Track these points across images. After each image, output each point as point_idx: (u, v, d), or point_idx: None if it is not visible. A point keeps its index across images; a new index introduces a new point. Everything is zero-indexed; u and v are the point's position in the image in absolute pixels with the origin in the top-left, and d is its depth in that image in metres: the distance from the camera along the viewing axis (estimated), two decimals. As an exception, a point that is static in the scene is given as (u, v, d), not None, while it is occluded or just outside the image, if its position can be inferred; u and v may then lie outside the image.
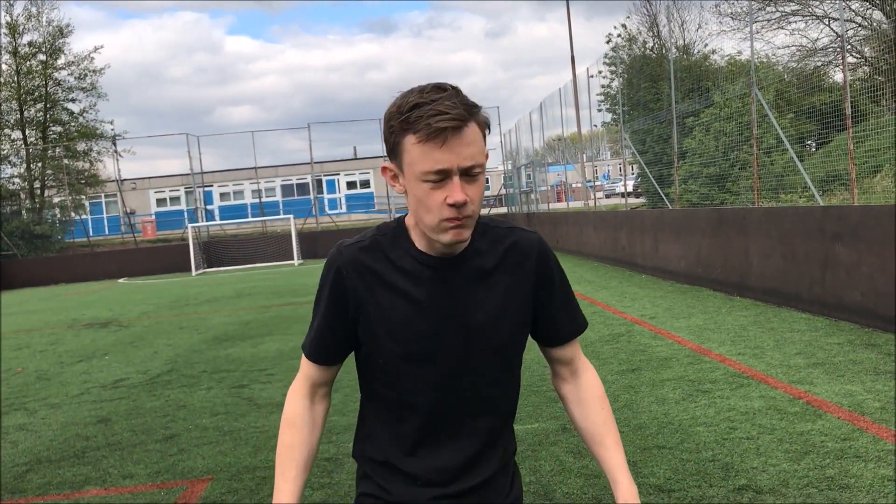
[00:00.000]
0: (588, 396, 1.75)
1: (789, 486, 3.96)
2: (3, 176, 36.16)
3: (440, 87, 1.47)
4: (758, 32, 22.16)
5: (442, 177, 1.46)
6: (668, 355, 7.24)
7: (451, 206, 1.47)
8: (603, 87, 24.14)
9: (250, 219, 37.80)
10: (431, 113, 1.43)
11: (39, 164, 36.77)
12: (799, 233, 8.99)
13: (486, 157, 1.54)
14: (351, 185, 46.91)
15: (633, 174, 25.40)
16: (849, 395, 5.44)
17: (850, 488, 3.87)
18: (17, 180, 36.61)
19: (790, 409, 5.23)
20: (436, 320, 1.60)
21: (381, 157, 38.22)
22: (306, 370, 1.74)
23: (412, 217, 1.59)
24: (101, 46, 64.98)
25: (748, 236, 10.30)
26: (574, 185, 35.10)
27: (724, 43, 37.22)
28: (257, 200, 38.86)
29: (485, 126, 1.52)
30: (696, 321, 8.90)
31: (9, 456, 5.84)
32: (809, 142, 14.24)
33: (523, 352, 1.73)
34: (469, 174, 1.48)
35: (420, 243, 1.61)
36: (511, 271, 1.65)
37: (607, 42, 25.73)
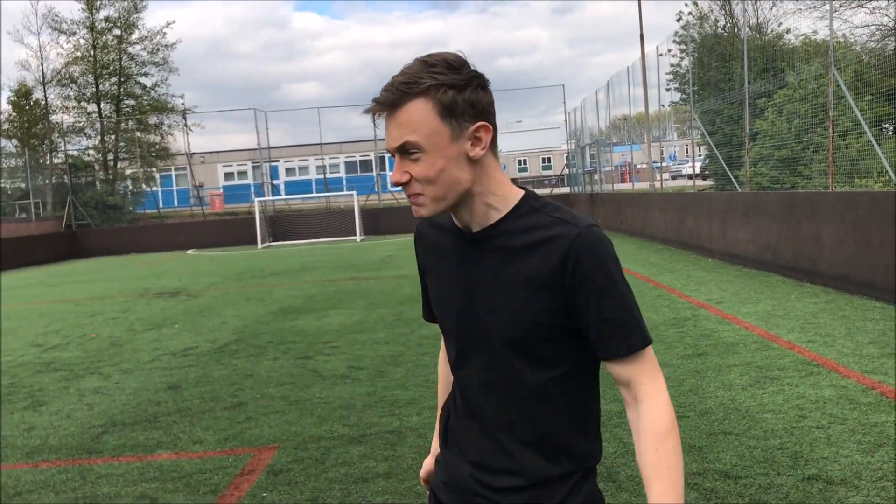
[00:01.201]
0: (643, 431, 1.51)
1: (862, 479, 3.86)
2: (79, 148, 37.30)
3: (405, 69, 1.47)
4: (836, 11, 21.40)
5: (392, 156, 1.51)
6: (734, 341, 7.11)
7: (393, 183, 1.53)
8: (672, 66, 23.65)
9: (314, 194, 38.26)
10: (375, 98, 1.49)
11: (113, 137, 37.81)
12: (874, 218, 8.70)
13: (474, 131, 1.48)
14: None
15: (700, 155, 24.90)
16: (926, 387, 5.28)
17: (926, 482, 3.76)
18: (91, 152, 37.72)
19: (863, 400, 5.09)
20: (457, 294, 1.62)
21: (445, 134, 38.11)
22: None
23: None
24: (173, 22, 66.35)
25: (820, 221, 10.01)
26: (639, 166, 34.57)
27: (799, 22, 36.05)
28: (322, 176, 39.29)
29: (443, 104, 1.44)
30: (764, 307, 8.71)
31: (85, 417, 6.07)
32: (887, 125, 13.75)
33: (568, 354, 1.56)
34: (407, 154, 1.47)
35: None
36: (537, 261, 1.50)
37: (678, 20, 25.14)
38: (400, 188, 1.53)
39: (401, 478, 4.30)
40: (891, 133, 13.87)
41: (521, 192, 1.58)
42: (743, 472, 4.05)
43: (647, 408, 1.51)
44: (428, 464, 1.91)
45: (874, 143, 10.33)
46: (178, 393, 6.65)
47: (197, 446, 5.16)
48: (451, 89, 1.45)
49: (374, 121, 1.51)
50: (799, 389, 5.44)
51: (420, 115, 1.44)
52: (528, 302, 1.51)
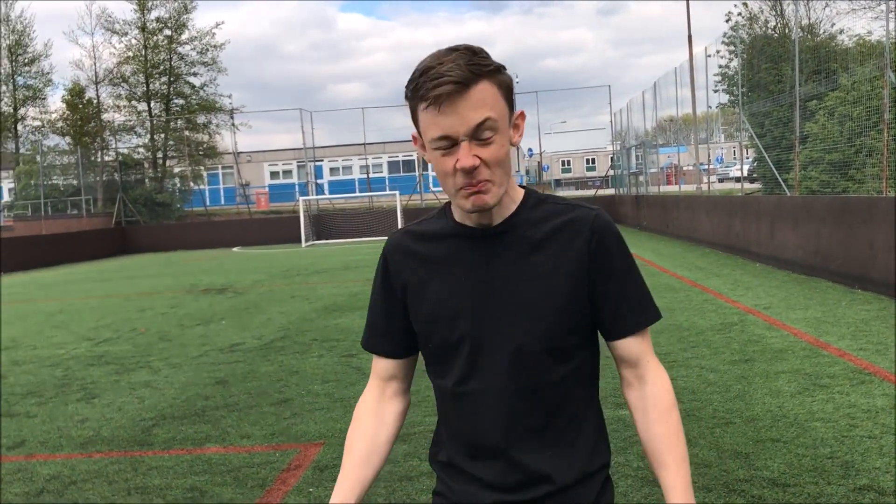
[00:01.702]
0: (652, 407, 1.55)
1: (915, 489, 3.79)
2: (129, 146, 38.08)
3: (453, 49, 1.41)
4: (892, 11, 20.94)
5: (449, 143, 1.40)
6: (783, 347, 7.00)
7: (462, 170, 1.41)
8: (720, 67, 23.35)
9: (357, 194, 38.53)
10: (434, 76, 1.37)
11: (162, 136, 38.56)
12: (931, 225, 8.50)
13: (516, 118, 1.48)
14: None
15: (748, 158, 24.52)
16: (982, 398, 5.15)
17: (982, 496, 3.68)
18: (141, 150, 38.51)
19: (916, 410, 4.99)
20: (474, 296, 1.51)
21: (489, 135, 38.16)
22: (373, 364, 1.71)
23: (444, 190, 1.51)
24: (223, 22, 67.30)
25: (874, 226, 9.81)
26: (685, 168, 34.18)
27: (853, 22, 35.32)
28: (365, 176, 39.56)
29: (505, 87, 1.43)
30: (813, 313, 8.57)
31: (136, 410, 6.21)
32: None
33: (586, 342, 1.58)
34: (479, 137, 1.40)
35: (458, 216, 1.56)
36: (561, 248, 1.51)
37: (726, 21, 24.82)
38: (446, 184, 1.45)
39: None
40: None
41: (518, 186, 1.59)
42: (792, 481, 4.00)
43: (655, 385, 1.56)
44: None
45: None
46: (226, 388, 6.76)
47: (244, 441, 5.25)
48: (504, 74, 1.45)
49: (436, 107, 1.40)
50: (850, 398, 5.34)
51: (492, 95, 1.41)
52: (557, 289, 1.50)
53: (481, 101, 1.38)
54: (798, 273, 12.00)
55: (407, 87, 1.44)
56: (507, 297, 1.50)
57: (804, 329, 7.73)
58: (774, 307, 9.11)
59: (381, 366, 1.68)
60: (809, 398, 5.40)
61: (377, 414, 1.67)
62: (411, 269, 1.58)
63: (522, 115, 1.50)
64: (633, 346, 1.57)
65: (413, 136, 1.53)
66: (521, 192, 1.57)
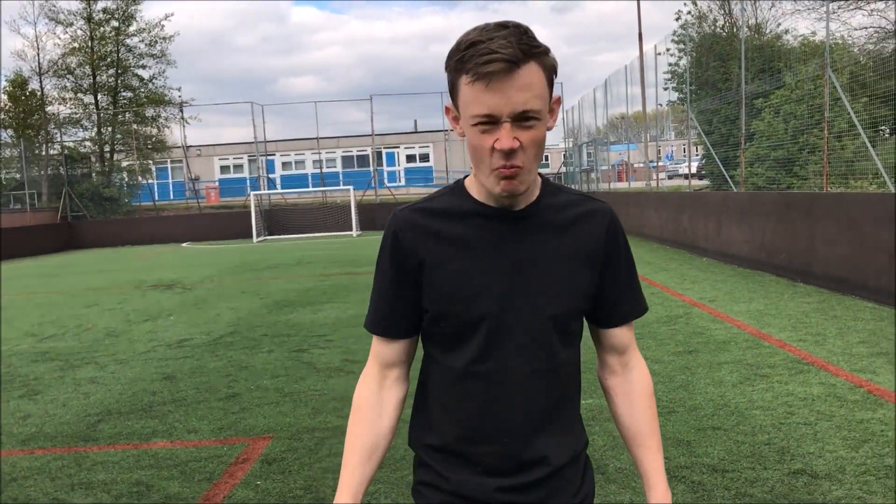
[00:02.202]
0: (637, 392, 1.64)
1: (846, 473, 3.93)
2: (75, 139, 37.27)
3: (502, 25, 1.38)
4: (834, 12, 21.46)
5: (491, 121, 1.38)
6: (726, 339, 7.18)
7: (500, 151, 1.39)
8: (670, 65, 23.71)
9: (311, 189, 38.25)
10: (483, 52, 1.34)
11: (110, 129, 37.77)
12: (868, 220, 8.77)
13: (554, 102, 1.46)
14: (410, 158, 47.08)
15: (697, 155, 24.94)
16: (913, 385, 5.35)
17: (909, 478, 3.83)
18: (88, 143, 37.69)
19: (850, 397, 5.16)
20: (497, 276, 1.50)
21: (442, 131, 38.28)
22: (374, 348, 1.65)
23: (473, 167, 1.49)
24: (172, 14, 66.27)
25: (815, 222, 10.09)
26: (636, 165, 34.64)
27: (798, 23, 36.08)
28: (318, 171, 39.29)
29: (550, 70, 1.41)
30: (756, 306, 8.78)
31: (81, 406, 6.11)
32: (883, 127, 13.82)
33: (580, 329, 1.62)
34: (522, 119, 1.37)
35: (479, 195, 1.53)
36: (584, 235, 1.55)
37: (676, 19, 25.21)
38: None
39: (393, 468, 4.35)
40: (887, 135, 13.94)
41: None
42: (730, 466, 4.12)
43: (639, 372, 1.66)
44: None
45: (868, 145, 10.40)
46: (174, 383, 6.70)
47: (192, 435, 5.21)
48: (550, 56, 1.42)
49: (468, 83, 1.38)
50: (788, 387, 5.50)
51: (538, 79, 1.38)
52: (579, 274, 1.54)
53: (528, 83, 1.36)
54: (744, 267, 12.28)
55: (450, 57, 1.41)
56: (531, 279, 1.50)
57: (747, 321, 7.92)
58: (719, 300, 9.32)
59: (386, 350, 1.62)
60: (750, 387, 5.55)
61: (378, 404, 1.62)
62: (428, 246, 1.53)
63: (559, 100, 1.48)
64: (624, 334, 1.65)
65: (447, 108, 1.50)
66: (540, 180, 1.57)
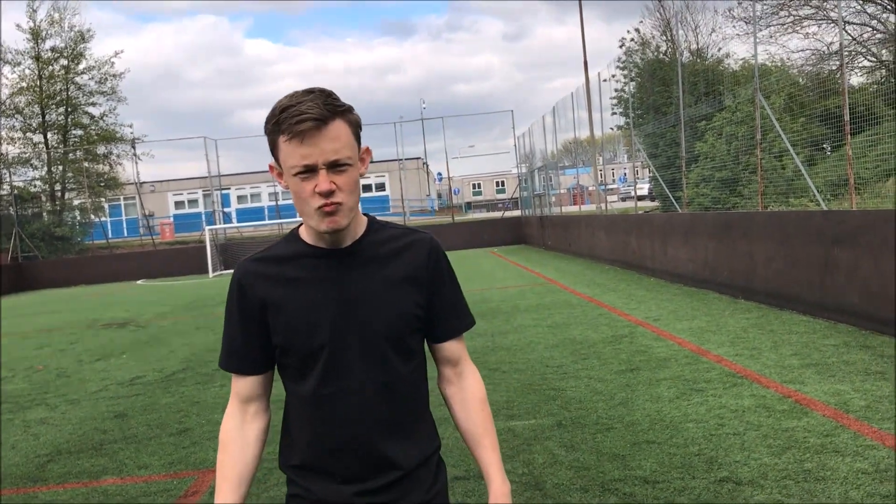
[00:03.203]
0: (470, 398, 1.85)
1: (768, 479, 4.15)
2: (24, 179, 36.76)
3: (308, 91, 1.62)
4: (772, 36, 22.25)
5: (309, 171, 1.61)
6: (667, 356, 7.42)
7: (320, 194, 1.61)
8: (616, 90, 24.29)
9: (267, 221, 38.18)
10: (295, 114, 1.58)
11: (60, 167, 37.35)
12: (800, 236, 9.14)
13: (363, 152, 1.70)
14: (366, 188, 47.29)
15: (645, 178, 25.49)
16: (837, 393, 5.62)
17: (825, 480, 4.06)
18: (38, 183, 37.19)
19: (778, 407, 5.41)
20: (330, 307, 1.71)
21: (397, 160, 38.55)
22: (232, 386, 1.83)
23: (300, 213, 1.69)
24: (122, 51, 65.89)
25: (753, 240, 10.46)
26: (589, 188, 35.20)
27: (737, 47, 37.20)
28: (274, 203, 39.24)
29: (354, 125, 1.66)
30: (698, 323, 9.07)
31: (31, 447, 6.12)
32: (825, 145, 14.35)
33: (421, 345, 1.82)
34: (335, 166, 1.61)
35: (310, 238, 1.75)
36: (406, 262, 1.76)
37: (620, 46, 25.86)
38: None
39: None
40: (828, 153, 14.47)
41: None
42: (661, 477, 4.31)
43: (472, 380, 1.87)
44: None
45: (800, 164, 10.83)
46: (125, 421, 6.73)
47: (142, 471, 5.27)
48: (354, 114, 1.68)
49: (293, 139, 1.59)
50: (722, 400, 5.74)
51: (345, 132, 1.62)
52: (404, 297, 1.75)
53: (336, 136, 1.60)
54: (689, 286, 12.62)
55: (268, 122, 1.63)
56: (360, 307, 1.71)
57: (688, 338, 8.19)
58: (663, 319, 9.59)
59: (241, 385, 1.81)
60: (686, 402, 5.78)
61: (242, 437, 1.81)
62: (267, 289, 1.73)
63: (368, 150, 1.73)
64: (455, 347, 1.86)
65: (270, 166, 1.72)
66: (366, 219, 1.79)
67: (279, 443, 1.87)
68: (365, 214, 1.82)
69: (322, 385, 1.71)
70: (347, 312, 1.71)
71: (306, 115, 1.57)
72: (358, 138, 1.68)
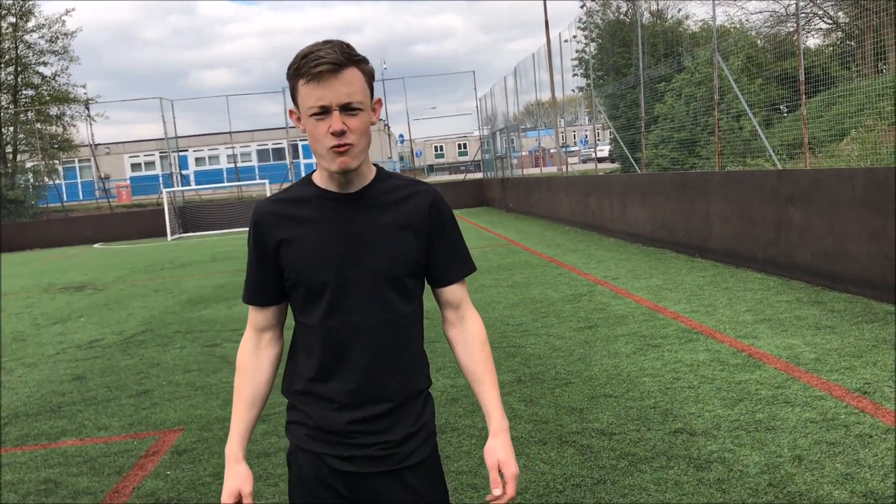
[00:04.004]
0: (471, 340, 1.97)
1: (721, 429, 4.27)
2: (-26, 140, 35.76)
3: (327, 42, 1.76)
4: (729, -2, 22.33)
5: (324, 111, 1.74)
6: (625, 313, 7.54)
7: (333, 134, 1.74)
8: (577, 51, 24.25)
9: (226, 184, 37.73)
10: (313, 59, 1.72)
11: (11, 129, 36.39)
12: (755, 196, 9.29)
13: (375, 103, 1.83)
14: (327, 150, 46.75)
15: (606, 140, 25.63)
16: (788, 347, 5.77)
17: (775, 430, 4.19)
18: (-12, 145, 36.22)
19: (732, 361, 5.55)
20: (337, 246, 1.84)
21: (358, 121, 38.06)
22: (250, 317, 2.00)
23: (314, 154, 1.82)
24: (73, 9, 63.96)
25: (709, 200, 10.60)
26: (551, 151, 35.26)
27: (697, 8, 37.36)
28: (233, 165, 38.75)
29: (368, 74, 1.80)
30: (655, 281, 9.21)
31: (-13, 411, 6.05)
32: (781, 106, 14.53)
33: (420, 288, 1.94)
34: (347, 108, 1.75)
35: (323, 182, 1.89)
36: (407, 213, 1.88)
37: (581, 6, 25.79)
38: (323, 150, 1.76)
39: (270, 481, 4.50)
40: (785, 114, 14.64)
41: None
42: (618, 430, 4.41)
43: (472, 323, 1.99)
44: (235, 485, 1.92)
45: (756, 125, 10.96)
46: (84, 383, 6.67)
47: (102, 432, 5.24)
48: (369, 65, 1.81)
49: (309, 81, 1.73)
50: (677, 355, 5.87)
51: (359, 79, 1.76)
52: (404, 242, 1.87)
53: (351, 81, 1.74)
54: (647, 246, 12.79)
55: (289, 69, 1.78)
56: (363, 248, 1.84)
57: (646, 296, 8.32)
58: (622, 278, 9.73)
59: (258, 317, 1.97)
60: (642, 357, 5.89)
61: (256, 362, 1.97)
62: (283, 229, 1.87)
63: (380, 101, 1.86)
64: (457, 291, 1.98)
65: (290, 111, 1.86)
66: (375, 168, 1.93)
67: (284, 370, 1.98)
68: (375, 165, 1.94)
69: (327, 317, 1.85)
70: (352, 252, 1.84)
71: (324, 59, 1.71)
72: (371, 88, 1.82)
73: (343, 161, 1.77)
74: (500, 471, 1.87)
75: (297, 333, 1.94)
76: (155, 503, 3.98)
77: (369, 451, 1.86)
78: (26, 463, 4.74)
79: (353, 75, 1.75)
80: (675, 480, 3.68)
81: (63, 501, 4.10)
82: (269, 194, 26.60)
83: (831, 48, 19.05)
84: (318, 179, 1.90)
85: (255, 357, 1.97)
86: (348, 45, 1.77)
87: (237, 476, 1.92)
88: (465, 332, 1.98)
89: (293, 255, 1.86)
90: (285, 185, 31.63)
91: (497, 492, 1.84)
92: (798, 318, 6.67)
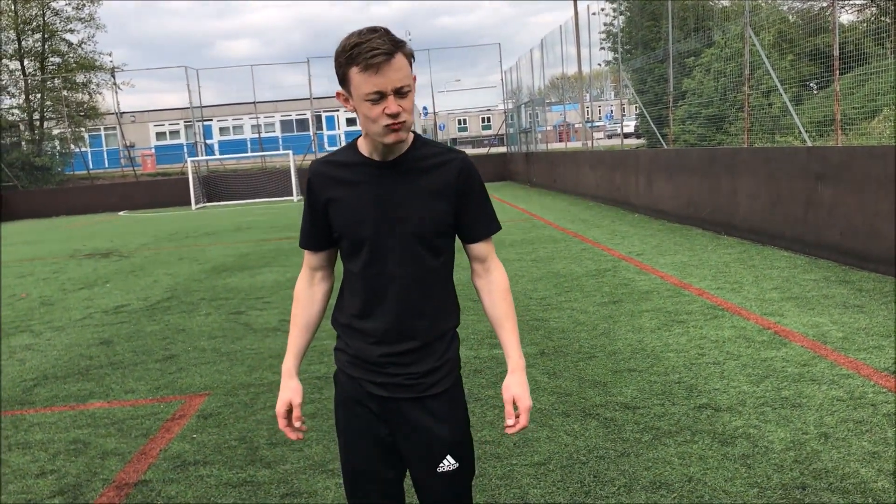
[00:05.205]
0: (495, 289, 2.22)
1: (746, 405, 4.24)
2: (2, 107, 36.06)
3: (373, 30, 1.95)
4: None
5: (380, 96, 1.95)
6: (649, 289, 7.50)
7: (389, 115, 1.96)
8: (605, 25, 23.95)
9: (249, 154, 37.79)
10: (367, 49, 1.91)
11: (38, 96, 36.65)
12: (784, 173, 9.17)
13: (413, 79, 2.02)
14: (350, 121, 46.70)
15: (632, 115, 25.35)
16: (815, 325, 5.72)
17: (801, 406, 4.16)
18: (16, 111, 36.53)
19: (758, 338, 5.51)
20: (375, 208, 2.09)
21: (382, 93, 37.88)
22: (305, 258, 2.31)
23: (363, 131, 2.06)
24: (99, -24, 63.94)
25: (737, 176, 10.48)
26: (576, 125, 35.00)
27: (729, -18, 36.67)
28: (256, 136, 38.82)
29: (410, 56, 2.00)
30: (681, 258, 9.15)
31: (17, 372, 6.15)
32: (812, 83, 14.28)
33: (450, 244, 2.15)
34: (400, 92, 1.96)
35: (366, 151, 2.12)
36: (439, 177, 2.11)
37: (610, -21, 25.40)
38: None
39: (325, 417, 4.54)
40: (815, 91, 14.40)
41: None
42: (641, 403, 4.40)
43: (497, 274, 2.23)
44: (288, 395, 2.21)
45: (787, 101, 10.79)
46: (111, 347, 6.76)
47: (129, 395, 5.31)
48: (409, 48, 2.01)
49: (342, 72, 1.96)
50: (702, 331, 5.83)
51: (405, 64, 1.97)
52: (434, 205, 2.09)
53: (400, 67, 1.95)
54: (672, 222, 12.69)
55: (339, 56, 1.97)
56: (398, 209, 2.08)
57: (671, 272, 8.27)
58: (647, 253, 9.67)
59: (311, 258, 2.28)
60: (667, 332, 5.87)
61: (310, 294, 2.29)
62: (331, 188, 2.14)
63: (415, 77, 2.05)
64: (484, 248, 2.22)
65: (338, 93, 2.06)
66: (412, 135, 2.14)
67: (333, 306, 2.28)
68: (412, 132, 2.14)
69: (366, 267, 2.12)
70: (387, 212, 2.08)
71: (378, 49, 1.90)
72: (411, 68, 2.01)
73: (398, 136, 2.00)
74: (514, 404, 2.11)
75: (345, 277, 2.23)
76: (182, 464, 4.04)
77: (398, 379, 2.13)
78: (55, 423, 4.82)
79: (401, 61, 1.95)
80: (699, 455, 3.67)
81: (92, 461, 4.17)
82: (292, 165, 26.64)
83: (865, 24, 18.68)
84: (363, 147, 2.13)
85: (310, 290, 2.29)
86: (390, 32, 1.97)
87: (290, 388, 2.22)
88: (490, 283, 2.22)
89: (338, 212, 2.13)
90: (308, 157, 31.59)
91: (510, 421, 2.10)
92: (825, 297, 6.60)
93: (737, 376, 4.73)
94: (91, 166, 37.03)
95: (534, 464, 3.73)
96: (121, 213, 28.96)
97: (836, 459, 3.51)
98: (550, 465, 3.69)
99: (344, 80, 1.99)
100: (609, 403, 4.44)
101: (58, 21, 37.20)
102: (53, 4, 36.72)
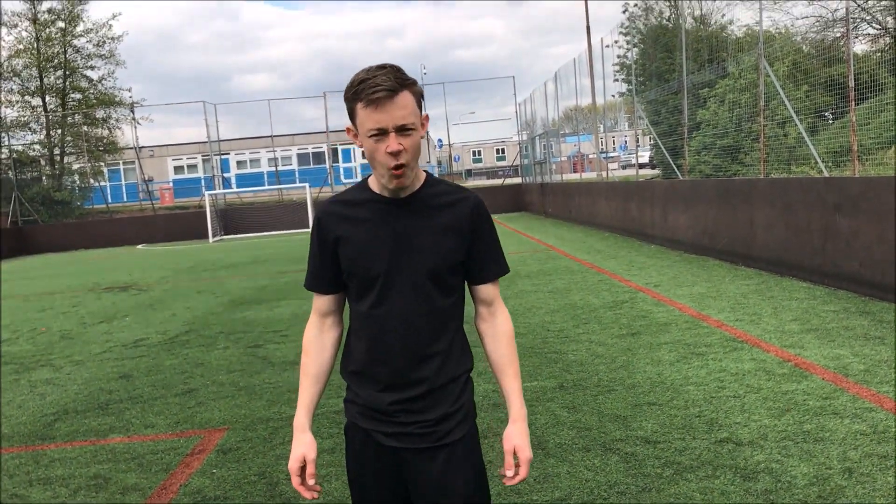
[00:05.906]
0: (500, 334, 2.18)
1: (767, 440, 4.21)
2: (23, 142, 36.60)
3: (381, 67, 1.96)
4: (776, 2, 22.03)
5: (382, 133, 1.94)
6: (667, 321, 7.47)
7: (390, 154, 1.94)
8: (619, 56, 24.11)
9: (266, 187, 38.10)
10: (371, 85, 1.91)
11: (59, 131, 37.18)
12: (801, 203, 9.15)
13: (423, 119, 2.01)
14: (367, 154, 46.96)
15: (646, 146, 25.41)
16: (836, 358, 5.67)
17: (824, 441, 4.12)
18: (37, 147, 37.04)
19: (778, 371, 5.47)
20: (387, 244, 2.06)
21: (397, 126, 38.14)
22: (313, 304, 2.24)
23: (372, 168, 2.03)
24: (119, 14, 65.24)
25: (753, 207, 10.46)
26: (590, 156, 35.06)
27: (741, 13, 36.85)
28: (273, 169, 39.11)
29: (418, 95, 1.99)
30: (698, 289, 9.11)
31: (37, 407, 6.19)
32: (827, 113, 14.28)
33: (460, 284, 2.13)
34: (402, 129, 1.94)
35: (377, 188, 2.10)
36: (451, 215, 2.09)
37: (623, 11, 25.64)
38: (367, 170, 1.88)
39: (343, 452, 4.53)
40: (831, 121, 14.39)
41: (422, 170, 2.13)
42: (662, 438, 4.37)
43: (502, 319, 2.20)
44: (301, 451, 2.13)
45: (803, 132, 10.80)
46: (130, 382, 6.79)
47: (149, 430, 5.33)
48: (418, 86, 2.02)
49: (351, 107, 1.96)
50: (722, 363, 5.80)
51: (410, 101, 1.95)
52: (447, 242, 2.07)
53: (404, 104, 1.94)
54: (689, 253, 12.65)
55: (347, 91, 1.98)
56: (410, 247, 2.05)
57: (689, 304, 8.24)
58: (664, 285, 9.64)
59: (320, 302, 2.22)
60: (686, 365, 5.84)
61: (320, 343, 2.22)
62: (341, 227, 2.11)
63: (427, 117, 2.06)
64: (491, 290, 2.19)
65: (348, 129, 2.07)
66: (424, 174, 2.14)
67: (341, 354, 2.21)
68: (424, 171, 2.14)
69: (375, 306, 2.07)
70: (400, 251, 2.05)
71: (381, 86, 1.90)
72: (420, 107, 2.01)
73: (399, 182, 2.00)
74: (515, 454, 2.07)
75: (352, 320, 2.16)
76: (202, 500, 4.04)
77: (409, 428, 2.07)
78: (76, 458, 4.84)
79: (405, 99, 1.94)
80: (721, 490, 3.64)
81: (112, 496, 4.18)
82: (308, 198, 26.83)
83: (879, 54, 18.70)
84: (374, 185, 2.11)
85: (319, 339, 2.22)
86: (400, 70, 1.97)
87: (304, 443, 2.15)
88: (494, 327, 2.19)
89: (348, 250, 2.09)
90: (325, 189, 31.76)
91: (510, 473, 2.06)
92: (846, 329, 6.55)
93: (758, 410, 4.70)
94: (110, 200, 37.45)
95: (554, 500, 3.71)
96: (139, 246, 29.21)
97: (861, 495, 3.47)
98: (571, 501, 3.67)
99: (351, 115, 2.00)
100: (629, 438, 4.41)
101: (79, 58, 37.85)
102: (75, 42, 37.38)
